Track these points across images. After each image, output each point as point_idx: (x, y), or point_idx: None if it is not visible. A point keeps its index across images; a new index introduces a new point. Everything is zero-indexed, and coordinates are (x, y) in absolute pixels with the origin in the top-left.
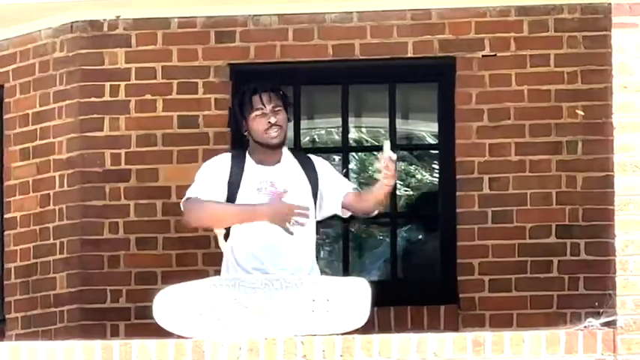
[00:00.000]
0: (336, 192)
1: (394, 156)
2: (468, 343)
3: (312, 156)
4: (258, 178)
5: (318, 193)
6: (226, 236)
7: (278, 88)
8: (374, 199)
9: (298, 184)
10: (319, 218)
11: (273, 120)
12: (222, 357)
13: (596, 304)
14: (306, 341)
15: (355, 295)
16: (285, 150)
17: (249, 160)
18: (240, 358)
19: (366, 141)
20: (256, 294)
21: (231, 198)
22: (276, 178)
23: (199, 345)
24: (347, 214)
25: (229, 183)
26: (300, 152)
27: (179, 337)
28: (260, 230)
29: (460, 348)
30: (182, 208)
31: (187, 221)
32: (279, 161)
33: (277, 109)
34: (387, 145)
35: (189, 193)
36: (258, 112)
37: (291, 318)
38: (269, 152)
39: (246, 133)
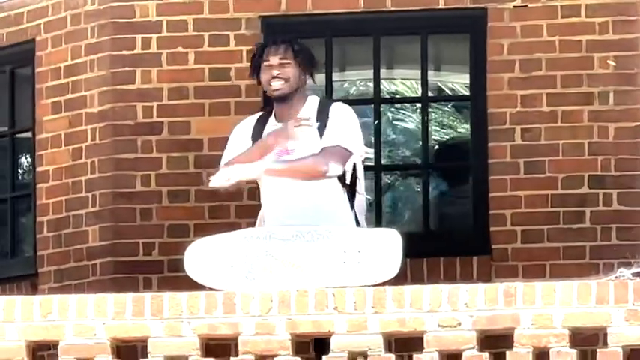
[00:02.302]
0: (323, 140)
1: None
2: (500, 293)
3: (335, 103)
4: None
5: (325, 133)
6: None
7: (293, 42)
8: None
9: (308, 139)
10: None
11: (275, 72)
12: (253, 309)
13: (628, 254)
14: (338, 293)
15: (386, 246)
16: (309, 101)
17: (271, 119)
18: (272, 310)
19: (398, 93)
20: (287, 246)
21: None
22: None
23: (230, 297)
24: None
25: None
26: (327, 100)
27: (210, 289)
28: (281, 192)
29: (491, 299)
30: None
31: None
32: (295, 114)
33: (285, 61)
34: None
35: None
36: (266, 64)
37: (322, 269)
38: (283, 106)
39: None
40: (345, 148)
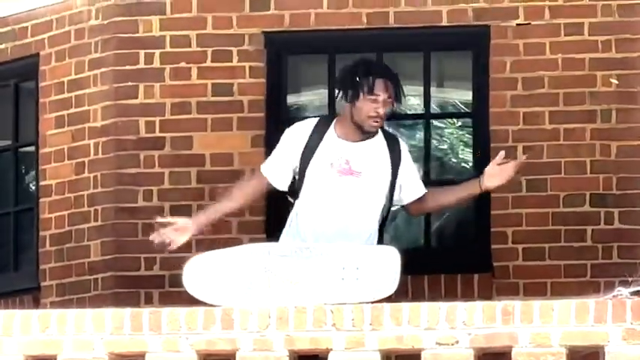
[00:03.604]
0: (409, 191)
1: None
2: (498, 312)
3: (402, 143)
4: (334, 153)
5: (397, 181)
6: (292, 194)
7: (399, 83)
8: (456, 198)
9: (378, 167)
10: (390, 206)
11: (381, 111)
12: (251, 325)
13: (626, 274)
14: (336, 310)
15: (385, 263)
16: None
17: (331, 131)
18: (270, 327)
19: (401, 109)
20: (286, 262)
21: (302, 170)
22: (353, 156)
23: (228, 313)
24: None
25: (303, 154)
26: (391, 134)
27: (209, 305)
28: (327, 207)
29: (489, 317)
30: None
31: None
32: (364, 139)
33: (389, 100)
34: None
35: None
36: (372, 97)
37: (320, 286)
38: (358, 131)
39: (346, 103)
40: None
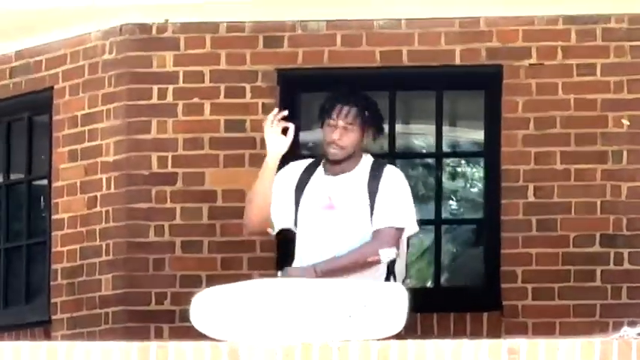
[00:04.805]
0: (374, 219)
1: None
2: (503, 350)
3: (388, 167)
4: (320, 189)
5: (374, 207)
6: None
7: (368, 106)
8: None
9: (353, 199)
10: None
11: (336, 137)
12: None
13: (632, 319)
14: (342, 347)
15: (393, 300)
16: (364, 160)
17: (319, 169)
18: None
19: (413, 148)
20: (293, 298)
21: (296, 207)
22: (333, 190)
23: (235, 349)
24: None
25: (296, 193)
26: (381, 161)
27: (216, 340)
28: (314, 242)
29: (495, 355)
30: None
31: (245, 227)
32: (347, 171)
33: (349, 126)
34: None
35: None
36: (331, 122)
37: (327, 322)
38: (335, 164)
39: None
40: (396, 228)
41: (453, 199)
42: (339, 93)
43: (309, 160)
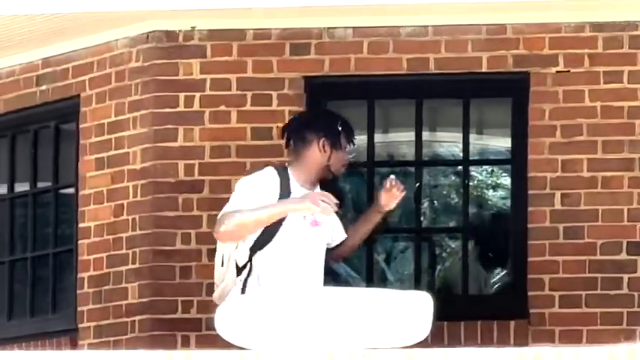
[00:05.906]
0: (336, 234)
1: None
2: (529, 358)
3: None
4: None
5: (330, 223)
6: (238, 271)
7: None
8: (361, 235)
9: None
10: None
11: (347, 159)
12: None
13: None
14: (368, 354)
15: (418, 308)
16: None
17: (292, 180)
18: None
19: (440, 155)
20: (318, 306)
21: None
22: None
23: (260, 357)
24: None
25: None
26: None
27: (241, 348)
28: (285, 254)
29: None
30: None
31: (217, 235)
32: (316, 186)
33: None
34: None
35: (229, 208)
36: (345, 149)
37: (353, 330)
38: (314, 178)
39: (322, 150)
40: None
41: (480, 207)
42: (342, 117)
43: (274, 170)
